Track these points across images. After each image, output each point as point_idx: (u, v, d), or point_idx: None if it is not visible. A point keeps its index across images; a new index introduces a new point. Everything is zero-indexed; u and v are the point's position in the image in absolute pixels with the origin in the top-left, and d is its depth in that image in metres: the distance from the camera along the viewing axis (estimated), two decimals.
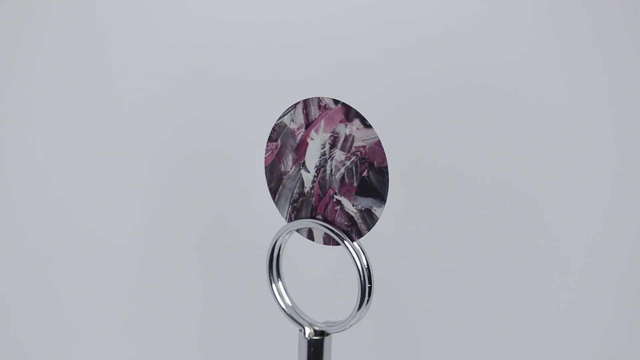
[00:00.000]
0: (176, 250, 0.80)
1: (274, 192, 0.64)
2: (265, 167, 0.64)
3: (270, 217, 0.71)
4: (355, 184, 0.60)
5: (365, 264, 0.60)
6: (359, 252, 0.60)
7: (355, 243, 0.60)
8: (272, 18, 0.77)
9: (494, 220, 0.80)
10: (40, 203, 0.77)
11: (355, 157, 0.59)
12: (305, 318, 0.64)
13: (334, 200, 0.61)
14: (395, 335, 0.83)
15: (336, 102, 0.60)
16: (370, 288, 0.60)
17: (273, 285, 0.64)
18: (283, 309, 0.64)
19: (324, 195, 0.61)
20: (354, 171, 0.60)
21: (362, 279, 0.59)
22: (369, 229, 0.60)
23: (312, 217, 0.62)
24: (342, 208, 0.61)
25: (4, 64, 0.73)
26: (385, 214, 0.77)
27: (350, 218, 0.60)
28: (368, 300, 0.60)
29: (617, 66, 0.77)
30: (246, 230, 0.81)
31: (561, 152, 0.79)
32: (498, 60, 0.78)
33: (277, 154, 0.63)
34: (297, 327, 0.64)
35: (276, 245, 0.64)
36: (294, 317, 0.63)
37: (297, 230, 0.63)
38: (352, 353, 0.81)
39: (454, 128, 0.79)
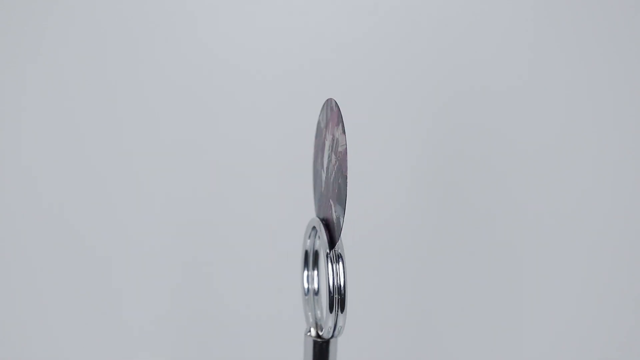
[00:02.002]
0: (178, 248, 0.80)
1: (313, 187, 0.64)
2: (313, 163, 0.65)
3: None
4: (335, 190, 0.58)
5: (341, 278, 0.58)
6: (332, 261, 0.58)
7: (333, 251, 0.58)
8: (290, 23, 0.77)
9: (493, 222, 0.80)
10: (41, 205, 0.78)
11: (338, 162, 0.58)
12: (317, 317, 0.63)
13: (329, 203, 0.60)
14: (402, 338, 0.82)
15: (337, 105, 0.58)
16: (340, 299, 0.58)
17: (305, 271, 0.64)
18: (305, 292, 0.63)
19: (327, 197, 0.60)
20: (336, 176, 0.58)
21: (331, 288, 0.58)
22: (338, 237, 0.58)
23: (322, 217, 0.62)
24: (332, 212, 0.59)
25: (5, 64, 0.75)
26: (389, 216, 0.77)
27: (333, 223, 0.59)
28: (341, 310, 0.58)
29: (618, 68, 0.77)
30: (251, 230, 0.80)
31: (563, 154, 0.79)
32: (500, 62, 0.77)
33: (315, 151, 0.64)
34: (305, 323, 0.63)
35: (307, 240, 0.64)
36: (308, 308, 0.63)
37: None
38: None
39: (455, 131, 0.78)
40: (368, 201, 0.79)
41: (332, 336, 0.60)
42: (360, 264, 0.77)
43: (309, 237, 0.64)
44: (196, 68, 0.77)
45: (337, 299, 0.58)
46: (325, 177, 0.60)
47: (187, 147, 0.78)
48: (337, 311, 0.58)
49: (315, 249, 0.64)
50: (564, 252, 0.81)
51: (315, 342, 0.62)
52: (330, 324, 0.59)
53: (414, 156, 0.79)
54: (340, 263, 0.58)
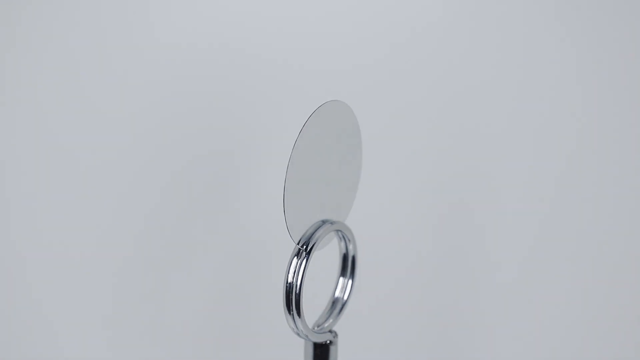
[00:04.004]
0: (180, 248, 0.77)
1: None
2: None
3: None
4: None
5: (299, 276, 0.53)
6: (298, 256, 0.54)
7: (304, 247, 0.54)
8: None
9: (494, 223, 0.79)
10: (39, 199, 0.77)
11: None
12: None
13: None
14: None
15: None
16: (295, 300, 0.53)
17: (342, 278, 0.60)
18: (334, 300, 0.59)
19: None
20: None
21: (287, 286, 0.53)
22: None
23: None
24: None
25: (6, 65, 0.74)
26: (393, 216, 0.79)
27: None
28: (297, 313, 0.53)
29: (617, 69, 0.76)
30: (254, 230, 0.77)
31: (564, 153, 0.78)
32: (498, 62, 0.76)
33: None
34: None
35: (341, 243, 0.59)
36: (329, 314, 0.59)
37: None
38: None
39: (453, 133, 0.77)
40: (370, 201, 0.74)
41: (310, 340, 0.56)
42: (362, 264, 0.71)
43: (341, 240, 0.59)
44: (206, 69, 0.76)
45: (292, 300, 0.53)
46: None
47: (189, 144, 0.77)
48: (294, 314, 0.54)
49: (352, 254, 0.60)
50: (564, 251, 0.79)
51: (315, 344, 0.58)
52: (292, 325, 0.54)
53: (415, 156, 0.77)
54: (304, 260, 0.53)
